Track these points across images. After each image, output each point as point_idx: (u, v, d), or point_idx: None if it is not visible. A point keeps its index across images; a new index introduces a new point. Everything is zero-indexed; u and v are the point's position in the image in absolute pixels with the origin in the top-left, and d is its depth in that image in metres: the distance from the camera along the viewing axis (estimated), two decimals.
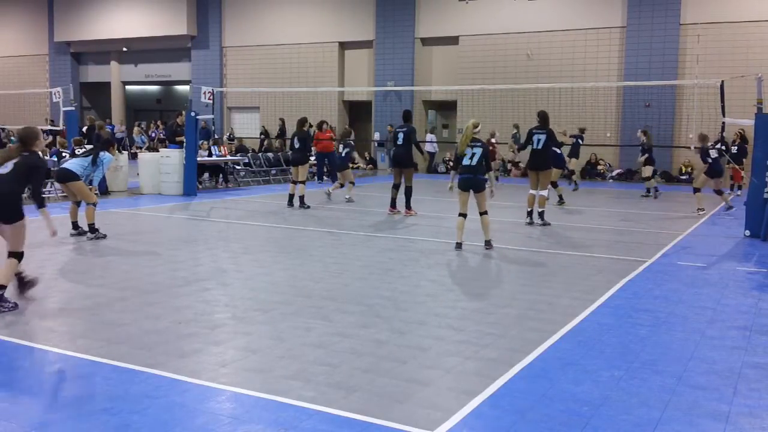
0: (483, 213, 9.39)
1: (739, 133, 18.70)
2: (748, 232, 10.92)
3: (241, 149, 21.21)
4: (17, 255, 6.17)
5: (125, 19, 30.49)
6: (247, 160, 19.76)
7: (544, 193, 11.70)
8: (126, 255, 8.68)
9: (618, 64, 22.38)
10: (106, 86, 32.87)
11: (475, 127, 9.56)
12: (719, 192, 14.17)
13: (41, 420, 3.83)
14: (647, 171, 17.21)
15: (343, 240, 10.14)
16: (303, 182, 13.59)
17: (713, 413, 4.09)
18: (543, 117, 11.78)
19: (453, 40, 24.90)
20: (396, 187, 12.75)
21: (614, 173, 22.65)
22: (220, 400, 4.17)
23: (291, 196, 13.71)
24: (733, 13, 20.83)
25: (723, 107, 12.48)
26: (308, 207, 13.47)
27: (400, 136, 12.56)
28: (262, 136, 26.92)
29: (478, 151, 9.33)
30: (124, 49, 31.73)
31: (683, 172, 21.86)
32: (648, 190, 17.31)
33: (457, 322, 5.89)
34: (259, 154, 21.01)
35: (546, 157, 11.65)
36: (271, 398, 4.17)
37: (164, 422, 3.83)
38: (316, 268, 8.05)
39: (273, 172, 20.30)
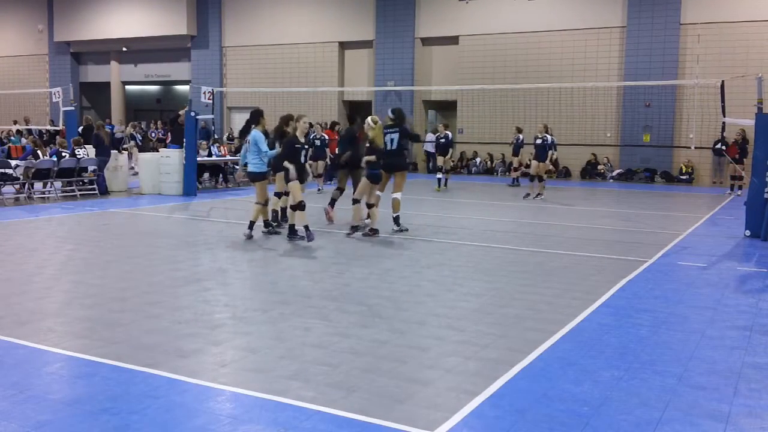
0: (372, 205, 10.33)
1: (741, 132, 18.71)
2: (748, 232, 10.92)
3: (241, 149, 21.16)
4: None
5: (125, 19, 30.50)
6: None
7: (398, 195, 10.74)
8: (126, 255, 8.67)
9: (618, 64, 22.39)
10: (105, 86, 32.88)
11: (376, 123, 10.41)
12: (540, 179, 16.35)
13: (41, 420, 3.83)
14: (447, 163, 19.18)
15: (342, 240, 10.13)
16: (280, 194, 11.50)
17: (713, 413, 4.09)
18: (397, 114, 10.86)
19: (453, 40, 24.91)
20: (340, 190, 11.88)
21: (614, 173, 22.65)
22: (219, 400, 4.17)
23: (276, 213, 11.31)
24: (733, 13, 20.84)
25: (723, 107, 12.48)
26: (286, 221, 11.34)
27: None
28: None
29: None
30: (124, 49, 31.73)
31: (683, 172, 21.87)
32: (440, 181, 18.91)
33: (457, 322, 5.88)
34: None
35: (402, 156, 10.83)
36: (271, 398, 4.17)
37: (164, 422, 3.83)
38: (315, 268, 8.05)
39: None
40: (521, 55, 23.69)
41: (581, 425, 3.88)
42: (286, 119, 10.72)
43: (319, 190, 17.11)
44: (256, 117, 10.07)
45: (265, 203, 10.23)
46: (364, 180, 10.46)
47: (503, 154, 24.23)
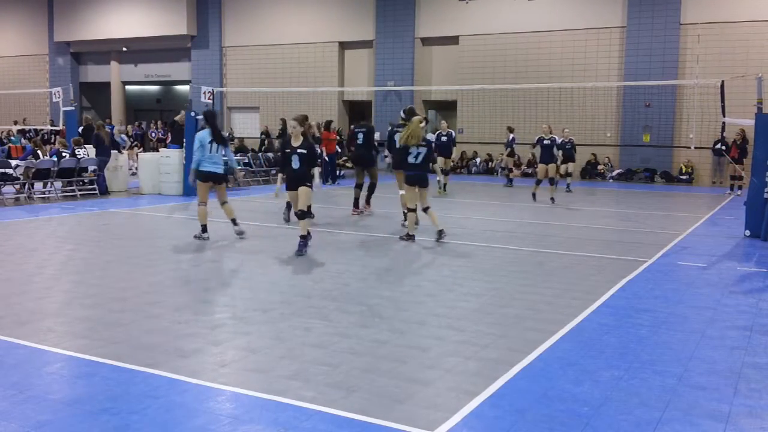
0: (427, 208, 9.96)
1: (741, 132, 18.72)
2: (748, 232, 10.92)
3: (241, 149, 21.20)
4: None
5: (125, 19, 30.50)
6: (247, 160, 19.75)
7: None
8: (126, 255, 8.67)
9: (618, 64, 22.39)
10: (106, 86, 32.88)
11: (421, 122, 9.98)
12: (551, 181, 15.73)
13: (41, 420, 3.83)
14: (447, 164, 17.92)
15: (342, 240, 10.14)
16: None
17: (713, 413, 4.09)
18: (408, 113, 11.56)
19: (453, 40, 24.91)
20: (359, 186, 12.69)
21: (614, 173, 22.66)
22: (220, 400, 4.17)
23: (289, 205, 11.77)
24: (733, 13, 20.84)
25: (723, 107, 12.49)
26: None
27: (360, 136, 12.55)
28: (263, 136, 26.94)
29: (423, 150, 9.85)
30: (124, 49, 31.73)
31: (683, 172, 21.87)
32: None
33: (457, 322, 5.88)
34: (259, 154, 21.00)
35: (368, 153, 12.18)
36: (271, 398, 4.17)
37: (164, 422, 3.83)
38: (315, 267, 8.05)
39: (273, 172, 20.29)
40: (521, 55, 23.68)
41: (581, 425, 3.89)
42: (301, 120, 11.11)
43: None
44: (214, 118, 9.84)
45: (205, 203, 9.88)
46: (406, 187, 9.96)
47: (503, 154, 24.23)
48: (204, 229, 9.87)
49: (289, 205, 11.59)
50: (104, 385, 4.34)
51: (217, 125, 9.86)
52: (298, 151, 8.85)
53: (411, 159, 9.83)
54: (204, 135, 9.67)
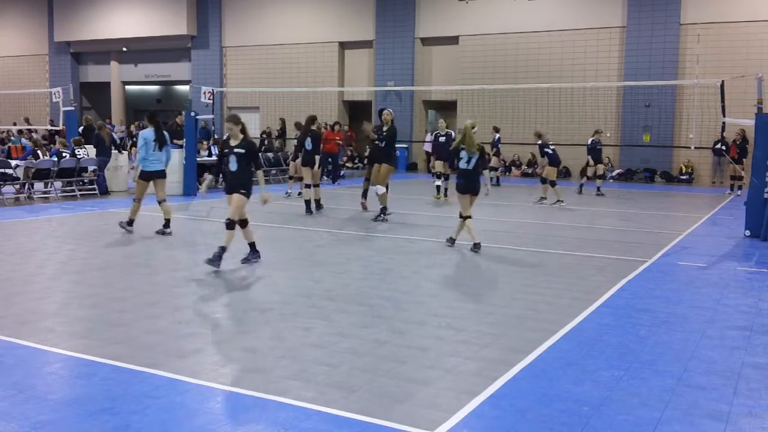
0: (467, 217, 9.42)
1: (740, 132, 18.72)
2: (748, 232, 10.92)
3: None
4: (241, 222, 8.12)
5: (125, 19, 30.51)
6: None
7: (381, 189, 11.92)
8: (126, 255, 8.67)
9: (618, 64, 22.40)
10: (106, 86, 32.88)
11: (473, 127, 9.65)
12: (553, 183, 15.26)
13: (41, 420, 3.83)
14: (446, 167, 16.29)
15: (343, 240, 10.14)
16: (317, 185, 13.16)
17: (713, 413, 4.09)
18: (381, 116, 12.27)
19: (453, 40, 24.92)
20: (368, 180, 13.07)
21: (614, 173, 22.66)
22: (220, 400, 4.17)
23: (308, 203, 12.93)
24: (733, 13, 20.84)
25: (723, 107, 12.49)
26: (322, 207, 13.14)
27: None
28: (263, 136, 26.93)
29: (475, 156, 9.38)
30: (124, 49, 31.74)
31: (683, 172, 21.86)
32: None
33: (457, 322, 5.88)
34: (259, 154, 20.93)
35: (384, 153, 12.21)
36: (271, 398, 4.17)
37: (164, 422, 3.83)
38: (315, 268, 8.05)
39: (273, 172, 20.30)
40: (521, 55, 23.68)
41: (581, 425, 3.88)
42: (311, 119, 13.20)
43: (288, 193, 16.19)
44: (154, 117, 10.48)
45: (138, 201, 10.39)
46: (458, 195, 9.56)
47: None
48: (131, 222, 10.24)
49: (307, 204, 12.88)
50: (104, 385, 4.34)
51: (160, 125, 10.40)
52: (236, 150, 8.00)
53: (463, 164, 9.36)
54: (149, 134, 10.20)
